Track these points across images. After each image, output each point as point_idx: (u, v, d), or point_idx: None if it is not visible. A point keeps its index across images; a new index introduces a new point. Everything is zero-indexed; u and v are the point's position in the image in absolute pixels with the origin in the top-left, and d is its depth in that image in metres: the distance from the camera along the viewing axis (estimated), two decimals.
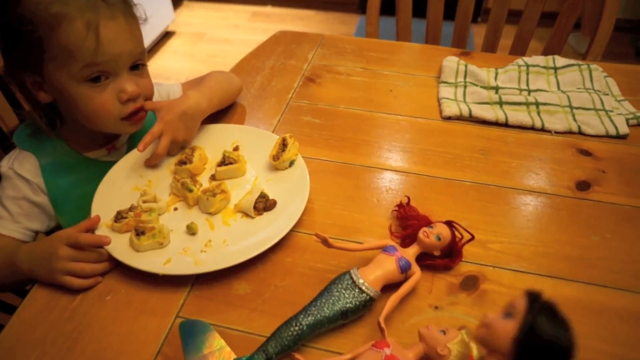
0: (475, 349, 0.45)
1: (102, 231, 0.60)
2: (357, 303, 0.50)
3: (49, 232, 0.72)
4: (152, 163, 0.69)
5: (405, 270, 0.52)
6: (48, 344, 0.50)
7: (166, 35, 2.73)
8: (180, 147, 0.72)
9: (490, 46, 1.18)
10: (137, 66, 0.66)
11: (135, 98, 0.66)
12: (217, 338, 0.49)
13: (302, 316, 0.49)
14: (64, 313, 0.53)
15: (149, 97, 0.69)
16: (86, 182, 0.68)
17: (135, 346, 0.50)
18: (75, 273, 0.55)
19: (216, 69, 0.84)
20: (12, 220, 0.66)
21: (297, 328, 0.48)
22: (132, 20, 0.64)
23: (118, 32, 0.61)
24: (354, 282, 0.50)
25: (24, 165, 0.68)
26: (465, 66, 0.90)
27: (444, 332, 0.44)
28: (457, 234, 0.57)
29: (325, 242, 0.53)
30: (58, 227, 0.72)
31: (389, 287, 0.52)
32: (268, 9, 3.02)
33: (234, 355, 0.48)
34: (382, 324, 0.47)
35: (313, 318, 0.48)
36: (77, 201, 0.68)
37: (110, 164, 0.69)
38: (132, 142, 0.77)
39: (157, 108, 0.68)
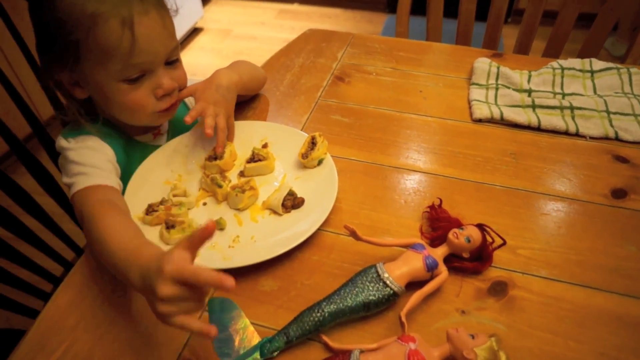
0: (504, 357, 0.45)
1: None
2: (380, 296, 0.50)
3: None
4: (209, 134, 0.66)
5: (431, 268, 0.52)
6: (80, 330, 0.52)
7: (194, 32, 2.78)
8: (227, 121, 0.70)
9: (523, 48, 1.16)
10: (172, 62, 0.67)
11: (171, 92, 0.67)
12: (242, 317, 0.51)
13: (325, 303, 0.50)
14: (96, 301, 0.55)
15: (183, 88, 0.70)
16: (135, 164, 0.70)
17: (164, 337, 0.51)
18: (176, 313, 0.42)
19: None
20: (102, 173, 0.62)
21: (319, 314, 0.49)
22: (164, 12, 0.63)
23: (152, 27, 0.61)
24: (379, 275, 0.51)
25: (87, 139, 0.66)
26: (498, 68, 0.89)
27: (473, 337, 0.44)
28: (487, 237, 0.56)
29: (354, 234, 0.53)
30: None
31: (415, 286, 0.52)
32: (295, 7, 3.03)
33: (257, 335, 0.50)
34: (403, 319, 0.47)
35: (335, 306, 0.49)
36: (125, 181, 0.68)
37: (154, 147, 0.72)
38: (172, 129, 0.79)
39: (193, 91, 0.70)
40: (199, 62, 2.54)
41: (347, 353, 0.46)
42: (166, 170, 0.70)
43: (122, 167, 0.69)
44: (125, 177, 0.68)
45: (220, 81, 0.72)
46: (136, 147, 0.74)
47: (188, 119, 0.66)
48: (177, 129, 0.78)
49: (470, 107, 0.83)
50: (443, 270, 0.53)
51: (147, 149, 0.73)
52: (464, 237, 0.54)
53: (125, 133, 0.73)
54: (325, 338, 0.49)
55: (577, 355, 0.49)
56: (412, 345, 0.44)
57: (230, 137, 0.73)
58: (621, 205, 0.65)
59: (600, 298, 0.54)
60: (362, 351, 0.46)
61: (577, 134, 0.77)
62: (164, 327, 0.51)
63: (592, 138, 0.76)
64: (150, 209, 0.62)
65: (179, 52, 0.68)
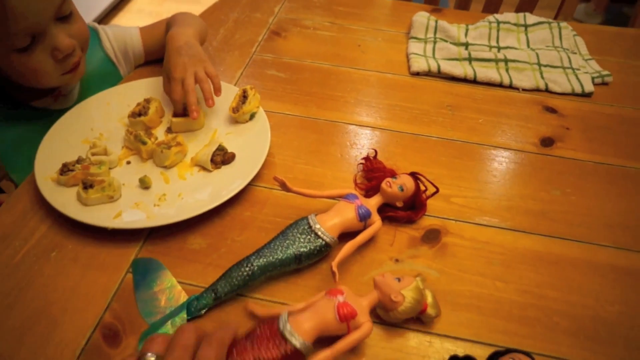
0: (430, 296, 0.45)
1: (47, 185, 0.56)
2: (312, 248, 0.48)
3: None
4: (194, 117, 0.62)
5: (364, 218, 0.51)
6: None
7: None
8: (206, 68, 0.64)
9: (462, 6, 1.15)
10: (65, 17, 0.59)
11: (72, 52, 0.60)
12: (168, 276, 0.49)
13: (254, 257, 0.48)
14: (3, 270, 0.50)
15: (84, 44, 0.63)
16: (37, 134, 0.63)
17: (83, 302, 0.48)
18: None
19: None
20: None
21: (247, 269, 0.47)
22: None
23: None
24: (310, 227, 0.49)
25: None
26: (436, 22, 0.88)
27: (399, 280, 0.44)
28: (421, 186, 0.56)
29: (283, 185, 0.51)
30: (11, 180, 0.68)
31: (349, 236, 0.51)
32: None
33: (184, 294, 0.48)
34: (334, 268, 0.46)
35: (265, 260, 0.47)
36: (29, 153, 0.63)
37: (59, 112, 0.65)
38: (84, 86, 0.72)
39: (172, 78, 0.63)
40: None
41: (275, 319, 0.43)
42: (84, 129, 0.64)
43: (15, 140, 0.64)
44: (26, 149, 0.62)
45: (178, 43, 0.65)
46: (34, 114, 0.67)
47: (195, 115, 0.61)
48: (90, 85, 0.71)
49: (408, 61, 0.82)
50: (376, 219, 0.53)
51: (47, 115, 0.66)
52: (397, 185, 0.53)
53: (19, 101, 0.66)
54: (251, 306, 0.46)
55: (503, 294, 0.50)
56: (340, 298, 0.42)
57: (215, 89, 0.64)
58: (549, 153, 0.67)
59: (527, 240, 0.56)
60: (290, 313, 0.44)
61: (510, 86, 0.78)
62: (82, 291, 0.48)
63: (524, 90, 0.78)
64: (65, 169, 0.57)
65: (71, 4, 0.60)
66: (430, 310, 0.45)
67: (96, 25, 0.76)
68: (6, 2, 0.51)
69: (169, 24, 0.74)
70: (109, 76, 0.75)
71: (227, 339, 0.36)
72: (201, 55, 0.65)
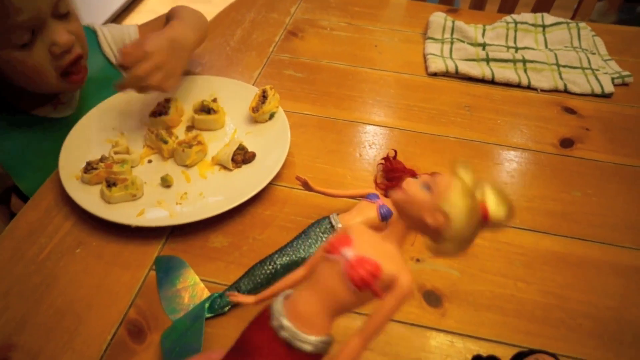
0: (489, 191, 0.29)
1: (71, 183, 0.57)
2: None
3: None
4: (130, 86, 0.59)
5: (385, 218, 0.51)
6: (13, 297, 0.48)
7: None
8: (169, 79, 0.60)
9: (477, 6, 1.15)
10: (63, 15, 0.58)
11: (70, 48, 0.59)
12: (191, 274, 0.50)
13: (277, 256, 0.48)
14: (30, 266, 0.51)
15: (83, 43, 0.62)
16: (38, 142, 0.63)
17: (107, 299, 0.48)
18: None
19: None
20: None
21: (270, 267, 0.47)
22: None
23: None
24: (332, 226, 0.49)
25: None
26: (453, 22, 0.88)
27: (429, 188, 0.29)
28: None
29: (305, 184, 0.52)
30: (17, 190, 0.68)
31: None
32: None
33: (207, 291, 0.48)
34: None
35: (288, 258, 0.48)
36: (34, 162, 0.63)
37: (59, 120, 0.65)
38: (83, 93, 0.72)
39: (141, 43, 0.58)
40: None
41: (266, 313, 0.30)
42: (106, 128, 0.65)
43: (18, 149, 0.64)
44: (29, 158, 0.62)
45: (175, 35, 0.62)
46: (35, 123, 0.67)
47: (121, 60, 0.57)
48: (91, 91, 0.71)
49: (425, 61, 0.82)
50: None
51: (48, 123, 0.66)
52: None
53: (21, 110, 0.66)
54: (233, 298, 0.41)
55: (525, 295, 0.50)
56: (347, 253, 0.28)
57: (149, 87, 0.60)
58: (568, 154, 0.67)
59: (548, 241, 0.55)
60: (286, 297, 0.30)
61: (529, 87, 0.78)
62: (107, 288, 0.49)
63: (542, 90, 0.77)
64: (88, 167, 0.57)
65: (69, 3, 0.59)
66: (496, 212, 0.27)
67: (95, 26, 0.74)
68: None
69: (168, 19, 0.72)
70: (111, 81, 0.74)
71: None
72: (181, 60, 0.59)
